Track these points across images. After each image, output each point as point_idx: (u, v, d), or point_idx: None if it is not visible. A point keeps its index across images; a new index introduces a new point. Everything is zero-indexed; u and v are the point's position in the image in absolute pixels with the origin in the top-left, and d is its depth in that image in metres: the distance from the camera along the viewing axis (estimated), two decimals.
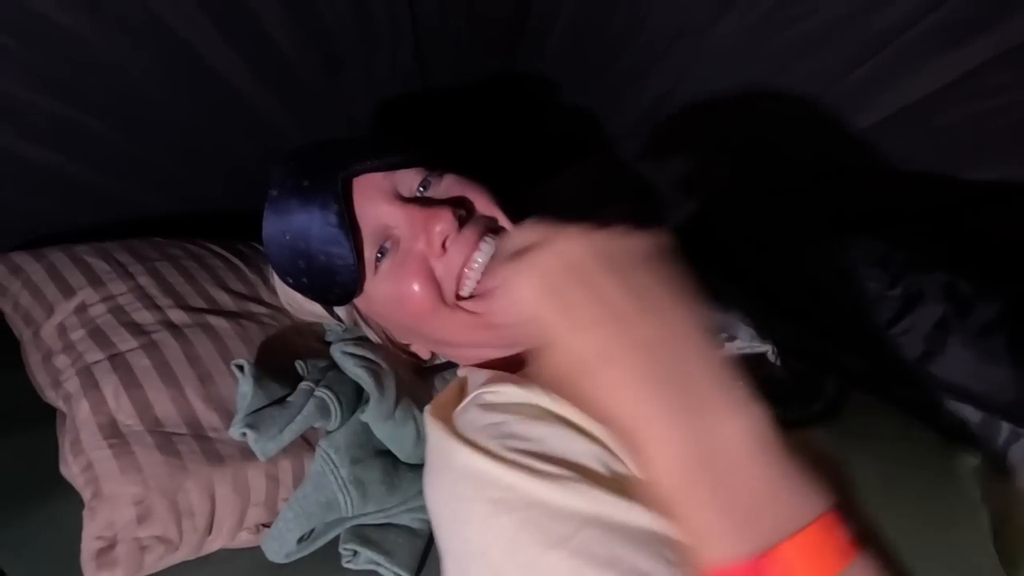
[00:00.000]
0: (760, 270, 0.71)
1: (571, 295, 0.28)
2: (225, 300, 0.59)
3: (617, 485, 0.35)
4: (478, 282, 0.47)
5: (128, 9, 0.51)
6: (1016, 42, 0.48)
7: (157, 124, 0.64)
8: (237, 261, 0.65)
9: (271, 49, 0.63)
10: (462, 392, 0.49)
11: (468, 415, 0.43)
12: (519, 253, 0.30)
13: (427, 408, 0.46)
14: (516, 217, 0.51)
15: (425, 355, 0.58)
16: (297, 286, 0.51)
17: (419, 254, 0.47)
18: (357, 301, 0.52)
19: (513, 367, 0.50)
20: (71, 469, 0.46)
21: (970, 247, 0.65)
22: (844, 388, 0.46)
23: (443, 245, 0.46)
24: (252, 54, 0.62)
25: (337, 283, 0.49)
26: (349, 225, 0.47)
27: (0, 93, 0.52)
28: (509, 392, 0.42)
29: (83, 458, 0.46)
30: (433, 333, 0.51)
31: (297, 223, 0.48)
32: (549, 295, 0.29)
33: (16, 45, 0.49)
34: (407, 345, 0.57)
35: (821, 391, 0.45)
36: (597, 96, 0.89)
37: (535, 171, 0.94)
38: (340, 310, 0.55)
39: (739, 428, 0.26)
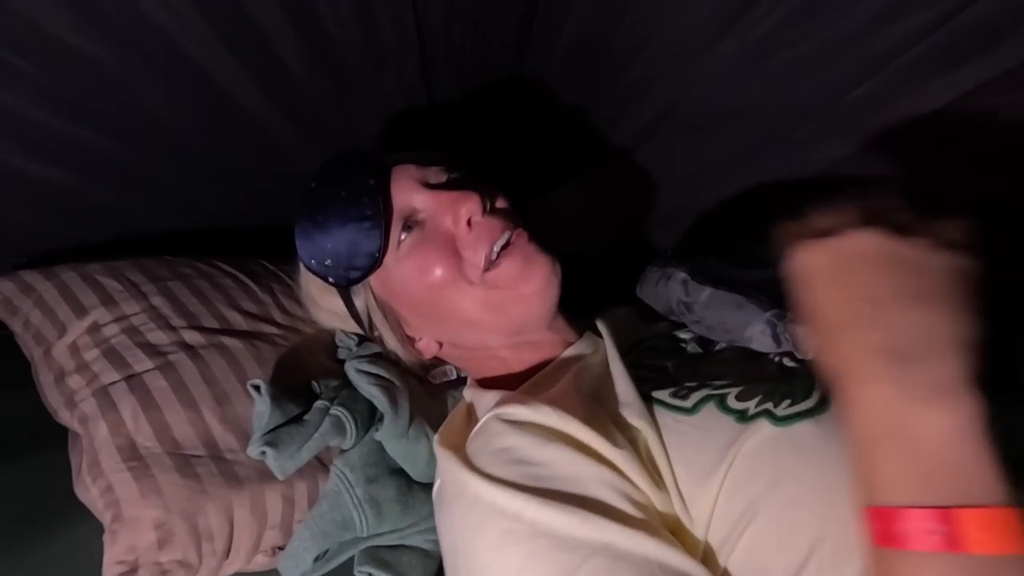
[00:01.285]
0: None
1: (850, 279, 0.32)
2: (238, 320, 0.59)
3: (625, 513, 0.37)
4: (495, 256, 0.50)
5: (141, 32, 0.52)
6: (1013, 64, 0.50)
7: (168, 143, 0.64)
8: (248, 280, 0.65)
9: (281, 69, 0.64)
10: (470, 416, 0.51)
11: (479, 440, 0.44)
12: (820, 232, 0.34)
13: (436, 437, 0.47)
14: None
15: (433, 350, 0.58)
16: (319, 269, 0.53)
17: (445, 231, 0.50)
18: (374, 280, 0.54)
19: (514, 383, 0.52)
20: (89, 492, 0.46)
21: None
22: None
23: (468, 224, 0.49)
24: (262, 74, 0.63)
25: (361, 253, 0.51)
26: (382, 203, 0.50)
27: (14, 114, 0.53)
28: (518, 413, 0.43)
29: (103, 481, 0.46)
30: (448, 308, 0.52)
31: (331, 205, 0.51)
32: (831, 272, 0.33)
33: (31, 68, 0.50)
34: (417, 339, 0.58)
35: None
36: (598, 112, 0.90)
37: (536, 186, 0.95)
38: (357, 300, 0.56)
39: (947, 412, 0.29)
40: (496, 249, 0.49)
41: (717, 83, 0.70)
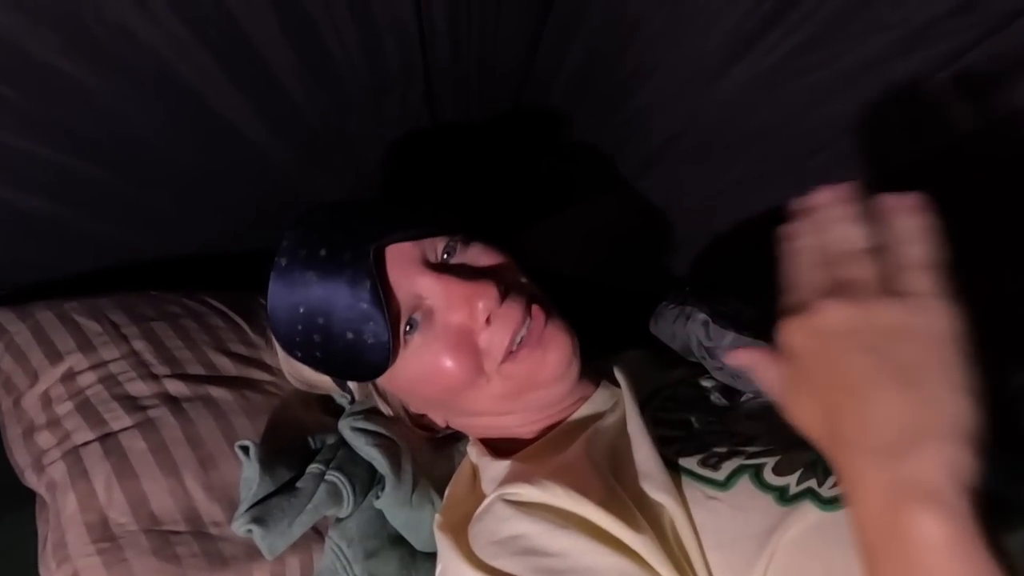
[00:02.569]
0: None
1: (824, 364, 0.29)
2: (226, 365, 0.55)
3: None
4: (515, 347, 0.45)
5: (133, 55, 0.48)
6: None
7: (160, 170, 0.61)
8: (238, 319, 0.61)
9: (279, 92, 0.61)
10: (475, 483, 0.48)
11: (485, 524, 0.40)
12: (798, 307, 0.30)
13: (437, 517, 0.44)
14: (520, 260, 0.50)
15: (441, 424, 0.55)
16: (308, 361, 0.48)
17: (459, 326, 0.45)
18: (382, 377, 0.48)
19: (522, 444, 0.49)
20: None
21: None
22: None
23: (487, 320, 0.44)
24: (260, 97, 0.60)
25: (364, 362, 0.45)
26: (383, 302, 0.44)
27: None
28: (527, 493, 0.40)
29: (68, 567, 0.41)
30: (462, 405, 0.48)
31: (316, 297, 0.44)
32: (807, 357, 0.29)
33: (15, 95, 0.46)
34: (422, 416, 0.54)
35: None
36: (605, 137, 0.88)
37: (541, 210, 0.94)
38: (353, 383, 0.52)
39: (942, 518, 0.25)
40: (517, 339, 0.45)
41: (727, 110, 0.68)
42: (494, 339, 0.44)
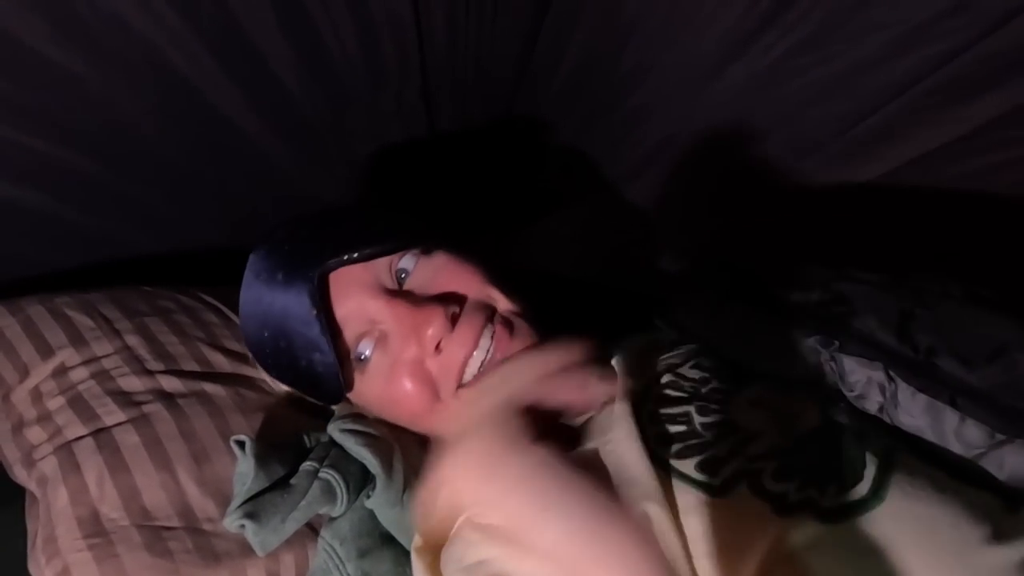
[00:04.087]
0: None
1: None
2: (220, 362, 0.55)
3: None
4: (476, 373, 0.44)
5: (126, 46, 0.48)
6: None
7: (153, 163, 0.60)
8: (232, 315, 0.60)
9: (276, 86, 0.60)
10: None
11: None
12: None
13: (416, 539, 0.43)
14: (513, 260, 0.50)
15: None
16: (281, 379, 0.49)
17: (411, 357, 0.44)
18: (350, 395, 0.49)
19: None
20: (42, 573, 0.41)
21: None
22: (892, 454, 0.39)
23: (437, 347, 0.44)
24: (255, 90, 0.60)
25: (322, 388, 0.46)
26: (328, 327, 0.44)
27: None
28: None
29: (58, 561, 0.40)
30: (430, 427, 0.48)
31: (276, 320, 0.45)
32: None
33: (4, 84, 0.46)
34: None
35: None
36: (601, 137, 0.88)
37: (536, 210, 0.94)
38: None
39: None
40: (479, 358, 0.44)
41: (723, 110, 0.68)
42: (445, 364, 0.44)
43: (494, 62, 0.76)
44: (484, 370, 0.44)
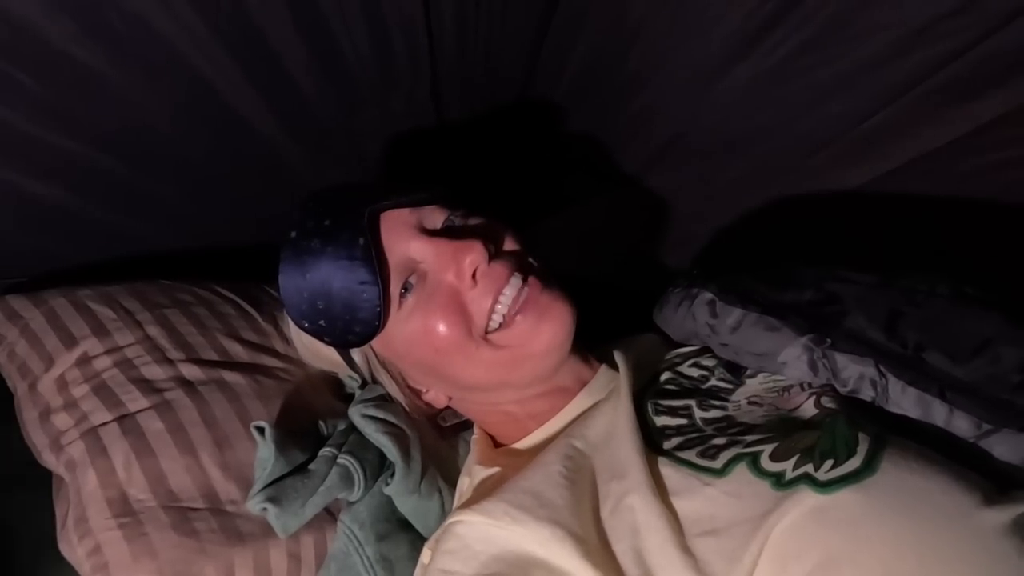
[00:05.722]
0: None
1: None
2: (239, 352, 0.56)
3: None
4: (504, 315, 0.46)
5: (149, 47, 0.49)
6: None
7: (171, 161, 0.61)
8: (248, 307, 0.61)
9: (291, 87, 0.62)
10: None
11: (438, 552, 0.42)
12: None
13: (423, 554, 0.45)
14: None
15: (442, 402, 0.55)
16: (314, 330, 0.49)
17: (449, 286, 0.46)
18: (375, 341, 0.50)
19: (519, 433, 0.50)
20: (75, 552, 0.42)
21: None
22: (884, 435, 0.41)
23: (473, 276, 0.45)
24: (271, 92, 0.61)
25: (359, 320, 0.46)
26: (376, 259, 0.45)
27: (10, 128, 0.49)
28: (475, 522, 0.41)
29: (90, 540, 0.42)
30: (455, 372, 0.48)
31: (318, 262, 0.46)
32: None
33: (30, 82, 0.47)
34: (423, 392, 0.54)
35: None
36: (608, 136, 0.89)
37: (543, 209, 0.94)
38: (356, 354, 0.53)
39: None
40: (505, 303, 0.46)
41: (728, 110, 0.69)
42: (479, 298, 0.45)
43: (502, 63, 0.77)
44: (518, 311, 0.45)
